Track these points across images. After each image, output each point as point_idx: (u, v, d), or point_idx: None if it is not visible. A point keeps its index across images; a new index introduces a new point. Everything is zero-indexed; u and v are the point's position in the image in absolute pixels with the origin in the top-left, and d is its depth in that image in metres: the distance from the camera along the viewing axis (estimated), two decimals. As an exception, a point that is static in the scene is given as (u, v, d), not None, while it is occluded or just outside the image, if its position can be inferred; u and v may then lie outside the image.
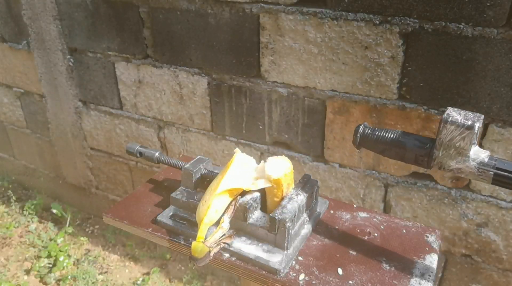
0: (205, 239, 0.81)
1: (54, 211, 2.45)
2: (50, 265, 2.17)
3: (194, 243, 0.80)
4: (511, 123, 1.19)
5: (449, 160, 0.71)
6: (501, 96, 1.17)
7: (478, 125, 0.67)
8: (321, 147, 1.53)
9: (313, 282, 0.79)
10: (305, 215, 0.89)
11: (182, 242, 0.87)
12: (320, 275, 0.80)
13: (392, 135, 0.76)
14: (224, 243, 0.83)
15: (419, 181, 1.41)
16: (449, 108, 0.70)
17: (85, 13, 1.80)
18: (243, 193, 0.87)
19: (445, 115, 0.69)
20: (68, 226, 2.39)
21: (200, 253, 0.79)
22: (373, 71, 1.31)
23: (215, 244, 0.81)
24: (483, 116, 0.69)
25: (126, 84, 1.88)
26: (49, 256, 2.21)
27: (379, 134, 0.77)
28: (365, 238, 0.91)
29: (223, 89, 1.62)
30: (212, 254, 0.80)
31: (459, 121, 0.68)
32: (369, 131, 0.78)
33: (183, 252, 0.88)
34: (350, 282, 0.79)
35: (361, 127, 0.78)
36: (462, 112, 0.69)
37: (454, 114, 0.69)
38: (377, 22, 1.24)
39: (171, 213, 0.94)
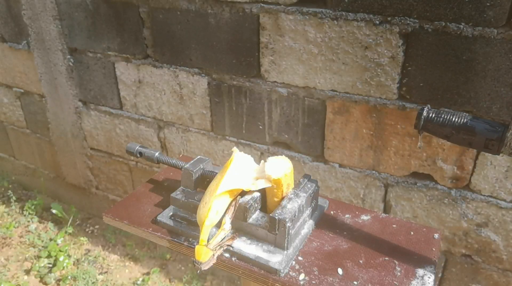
0: (207, 241, 0.81)
1: (54, 211, 2.45)
2: (50, 265, 2.17)
3: (197, 247, 0.79)
4: (511, 123, 1.19)
5: None
6: (501, 96, 1.17)
7: None
8: (321, 147, 1.53)
9: (313, 282, 0.79)
10: (305, 215, 0.89)
11: (182, 242, 0.87)
12: (320, 275, 0.80)
13: (460, 119, 0.70)
14: (227, 245, 0.83)
15: (419, 181, 1.41)
16: None
17: (85, 13, 1.80)
18: (243, 193, 0.86)
19: None
20: (69, 226, 2.39)
21: (204, 257, 0.78)
22: (373, 71, 1.31)
23: (218, 247, 0.81)
24: None
25: (126, 84, 1.88)
26: (49, 256, 2.21)
27: (446, 117, 0.71)
28: (365, 238, 0.90)
29: (223, 89, 1.62)
30: (215, 256, 0.80)
31: None
32: (434, 114, 0.72)
33: (183, 252, 0.88)
34: (351, 282, 0.79)
35: (425, 109, 0.73)
36: None
37: None
38: (377, 22, 1.24)
39: (171, 213, 0.94)
